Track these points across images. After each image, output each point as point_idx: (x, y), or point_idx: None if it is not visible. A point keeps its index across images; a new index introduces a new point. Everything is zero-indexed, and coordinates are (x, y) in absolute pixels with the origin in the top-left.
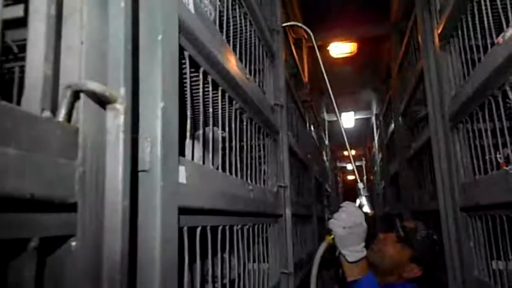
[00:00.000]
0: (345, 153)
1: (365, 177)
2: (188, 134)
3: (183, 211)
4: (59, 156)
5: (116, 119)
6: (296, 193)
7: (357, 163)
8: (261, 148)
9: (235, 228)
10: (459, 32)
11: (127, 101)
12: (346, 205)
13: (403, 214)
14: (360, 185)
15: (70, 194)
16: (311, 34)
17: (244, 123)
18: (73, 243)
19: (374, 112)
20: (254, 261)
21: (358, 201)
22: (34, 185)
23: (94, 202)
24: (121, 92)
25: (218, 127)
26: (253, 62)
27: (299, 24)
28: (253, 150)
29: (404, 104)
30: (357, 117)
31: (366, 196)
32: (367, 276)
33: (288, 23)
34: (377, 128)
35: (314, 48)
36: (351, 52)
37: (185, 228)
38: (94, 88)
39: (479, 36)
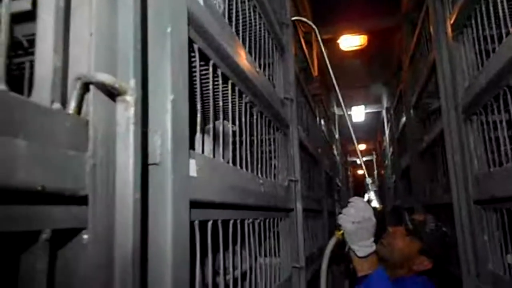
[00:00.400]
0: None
1: (375, 172)
2: (198, 128)
3: (194, 204)
4: (69, 148)
5: (126, 111)
6: (306, 188)
7: (368, 158)
8: (272, 142)
9: (246, 222)
10: (473, 21)
11: (137, 93)
12: (355, 200)
13: (414, 208)
14: (369, 180)
15: (80, 187)
16: (316, 29)
17: (254, 117)
18: (85, 236)
19: (385, 105)
20: (265, 256)
21: (366, 196)
22: (44, 177)
23: (105, 195)
24: (131, 84)
25: (228, 121)
26: (263, 55)
27: (304, 19)
28: (264, 144)
29: (415, 96)
30: (368, 110)
31: (374, 191)
32: (377, 271)
33: (294, 18)
34: (387, 122)
35: (323, 41)
36: (361, 45)
37: (196, 222)
38: (103, 79)
39: (493, 25)
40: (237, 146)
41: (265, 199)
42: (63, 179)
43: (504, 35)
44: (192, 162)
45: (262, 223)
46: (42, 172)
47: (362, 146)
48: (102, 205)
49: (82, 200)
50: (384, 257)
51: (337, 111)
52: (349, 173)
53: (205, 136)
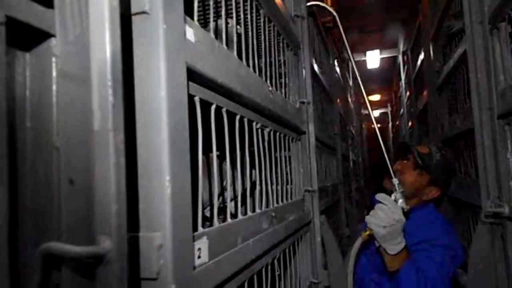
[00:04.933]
0: (370, 97)
1: (390, 124)
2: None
3: (192, 76)
4: None
5: None
6: (320, 122)
7: (382, 110)
8: (282, 61)
9: (254, 125)
10: None
11: None
12: (383, 200)
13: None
14: (395, 181)
15: None
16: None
17: (261, 20)
18: (53, 41)
19: (401, 49)
20: (276, 175)
21: (393, 196)
22: None
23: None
24: None
25: (231, 18)
26: None
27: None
28: (272, 55)
29: (435, 26)
30: (383, 56)
31: (401, 192)
32: (405, 269)
33: None
34: (404, 66)
35: None
36: None
37: (197, 98)
38: None
39: None
40: (243, 50)
41: (274, 106)
42: None
43: None
44: (189, 30)
45: (272, 134)
46: None
47: (376, 97)
48: (72, 10)
49: (48, 2)
50: None
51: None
52: (363, 126)
53: None
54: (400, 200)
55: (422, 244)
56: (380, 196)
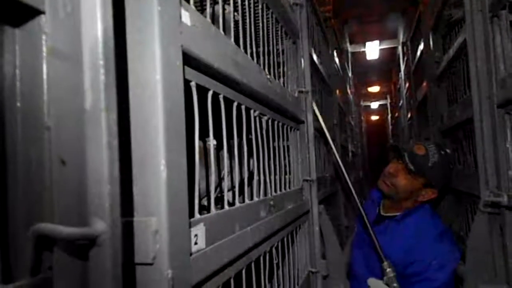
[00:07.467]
0: (369, 89)
1: (389, 116)
2: None
3: (188, 60)
4: None
5: None
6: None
7: (382, 102)
8: (280, 50)
9: (252, 112)
10: None
11: None
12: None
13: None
14: (386, 265)
15: None
16: None
17: (259, 7)
18: (44, 20)
19: (401, 40)
20: (274, 164)
21: (385, 279)
22: None
23: None
24: None
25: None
26: None
27: None
28: (271, 44)
29: (435, 15)
30: (383, 46)
31: (393, 275)
32: None
33: None
34: (403, 56)
35: None
36: None
37: (193, 83)
38: None
39: None
40: (240, 37)
41: (273, 94)
42: None
43: None
44: (185, 13)
45: (270, 123)
46: None
47: (375, 89)
48: None
49: None
50: (390, 195)
51: (350, 48)
52: (362, 118)
53: None
54: (394, 285)
55: (420, 265)
56: (371, 283)
